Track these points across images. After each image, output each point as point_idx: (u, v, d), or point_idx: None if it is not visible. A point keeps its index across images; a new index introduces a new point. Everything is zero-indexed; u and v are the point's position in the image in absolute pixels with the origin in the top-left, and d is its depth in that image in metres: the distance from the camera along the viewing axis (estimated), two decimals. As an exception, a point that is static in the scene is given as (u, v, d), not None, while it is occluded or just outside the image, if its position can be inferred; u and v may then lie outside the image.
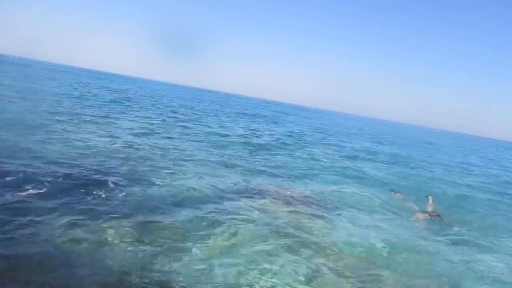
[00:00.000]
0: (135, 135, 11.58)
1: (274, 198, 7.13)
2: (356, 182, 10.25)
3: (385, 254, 5.32)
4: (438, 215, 7.70)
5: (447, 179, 13.69)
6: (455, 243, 6.44)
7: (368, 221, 6.76)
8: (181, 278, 3.77)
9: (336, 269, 4.55)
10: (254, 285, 3.89)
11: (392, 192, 9.51)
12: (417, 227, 7.04)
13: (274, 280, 4.05)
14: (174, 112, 22.96)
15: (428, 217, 7.63)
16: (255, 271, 4.15)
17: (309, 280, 4.17)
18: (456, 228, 7.37)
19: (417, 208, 8.30)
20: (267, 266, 4.31)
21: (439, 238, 6.53)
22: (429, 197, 9.18)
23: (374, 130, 49.70)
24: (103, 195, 5.63)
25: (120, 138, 10.54)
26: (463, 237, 6.85)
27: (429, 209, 8.38)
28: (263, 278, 4.05)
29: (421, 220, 7.50)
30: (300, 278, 4.17)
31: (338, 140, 22.59)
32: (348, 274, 4.48)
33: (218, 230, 5.16)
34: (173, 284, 3.66)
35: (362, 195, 8.83)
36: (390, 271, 4.75)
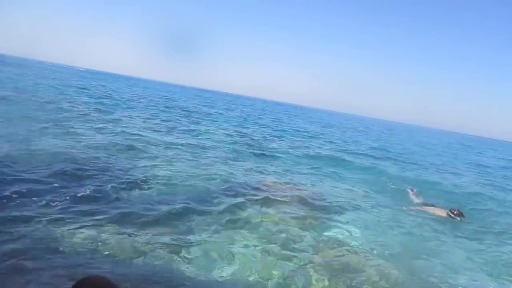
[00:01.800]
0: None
1: (281, 194, 7.04)
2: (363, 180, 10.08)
3: (395, 253, 5.11)
4: (461, 213, 7.55)
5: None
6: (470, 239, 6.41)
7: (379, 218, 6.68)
8: (181, 275, 3.68)
9: (337, 267, 4.36)
10: (254, 283, 3.80)
11: (409, 190, 9.39)
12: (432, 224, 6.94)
13: (274, 279, 3.92)
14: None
15: (447, 215, 7.54)
16: (256, 269, 4.04)
17: (308, 279, 4.02)
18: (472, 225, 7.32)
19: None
20: (266, 266, 4.16)
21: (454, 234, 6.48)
22: (409, 190, 9.17)
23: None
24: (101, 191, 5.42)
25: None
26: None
27: (416, 201, 8.43)
28: (260, 276, 3.93)
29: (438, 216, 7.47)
30: (298, 277, 4.00)
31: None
32: (352, 273, 4.27)
33: (218, 226, 5.05)
34: (176, 280, 3.57)
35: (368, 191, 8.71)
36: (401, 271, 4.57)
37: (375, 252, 5.09)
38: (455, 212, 7.47)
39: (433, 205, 8.08)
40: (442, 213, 7.58)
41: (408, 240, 5.89)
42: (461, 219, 7.36)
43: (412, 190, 9.27)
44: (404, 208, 7.75)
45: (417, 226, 6.71)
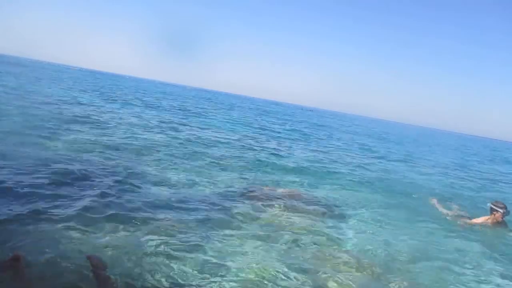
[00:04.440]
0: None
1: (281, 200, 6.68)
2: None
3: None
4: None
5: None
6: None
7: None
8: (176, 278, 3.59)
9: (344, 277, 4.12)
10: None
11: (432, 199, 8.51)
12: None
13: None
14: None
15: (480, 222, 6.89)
16: (253, 274, 3.88)
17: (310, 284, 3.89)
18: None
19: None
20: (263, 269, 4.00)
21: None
22: (432, 200, 8.32)
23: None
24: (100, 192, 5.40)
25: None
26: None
27: (447, 212, 7.52)
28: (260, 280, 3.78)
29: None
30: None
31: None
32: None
33: (214, 231, 4.87)
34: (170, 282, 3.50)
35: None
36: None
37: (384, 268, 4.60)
38: (500, 205, 6.66)
39: (468, 217, 7.28)
40: (483, 220, 6.84)
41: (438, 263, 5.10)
42: (505, 212, 6.57)
43: (435, 200, 8.39)
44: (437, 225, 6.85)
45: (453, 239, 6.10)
